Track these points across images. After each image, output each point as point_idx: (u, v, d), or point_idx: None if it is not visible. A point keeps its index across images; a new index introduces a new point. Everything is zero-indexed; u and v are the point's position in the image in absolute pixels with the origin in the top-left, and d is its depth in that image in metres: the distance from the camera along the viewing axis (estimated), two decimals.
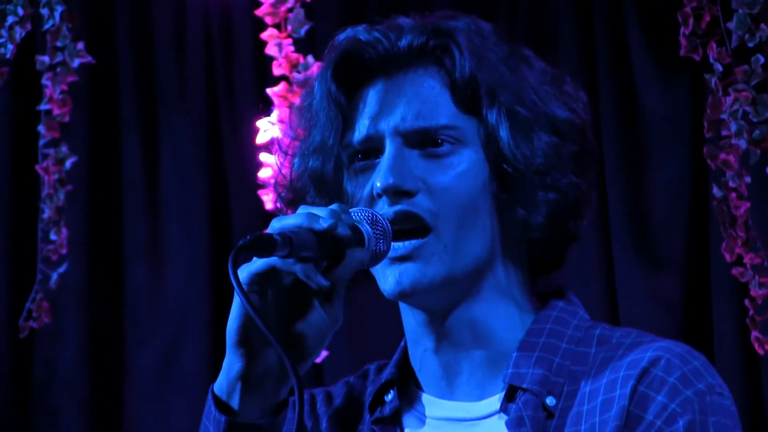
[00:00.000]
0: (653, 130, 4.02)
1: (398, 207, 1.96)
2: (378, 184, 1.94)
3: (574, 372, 2.02)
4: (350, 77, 2.06)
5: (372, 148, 2.01)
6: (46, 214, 3.99)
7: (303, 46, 3.93)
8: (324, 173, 2.05)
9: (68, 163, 3.99)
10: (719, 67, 3.68)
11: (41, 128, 4.01)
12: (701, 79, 3.80)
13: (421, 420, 2.08)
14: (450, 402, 2.07)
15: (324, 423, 2.12)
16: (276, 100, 3.87)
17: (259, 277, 1.78)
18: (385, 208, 1.96)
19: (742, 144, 3.68)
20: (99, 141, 4.33)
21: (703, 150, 3.75)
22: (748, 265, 3.73)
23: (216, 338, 4.27)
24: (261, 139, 3.87)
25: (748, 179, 3.71)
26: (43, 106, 4.00)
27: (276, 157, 2.17)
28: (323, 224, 1.79)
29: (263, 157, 3.84)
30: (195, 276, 4.37)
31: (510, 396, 2.00)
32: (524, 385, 1.99)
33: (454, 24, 2.08)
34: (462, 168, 1.99)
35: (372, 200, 1.98)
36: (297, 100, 3.33)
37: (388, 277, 1.98)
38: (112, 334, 4.34)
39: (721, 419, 1.96)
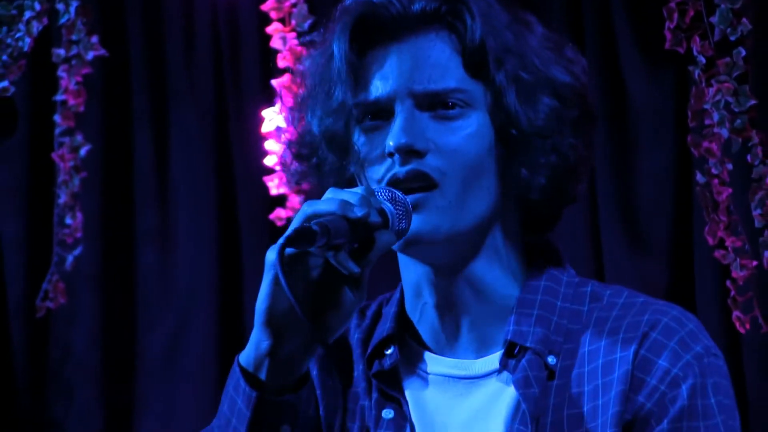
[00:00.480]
0: (640, 120, 4.04)
1: (409, 166, 1.98)
2: (391, 143, 1.96)
3: (570, 330, 2.05)
4: (364, 39, 2.05)
5: (383, 109, 2.02)
6: (62, 199, 4.05)
7: (306, 38, 3.96)
8: (336, 130, 2.04)
9: (83, 151, 4.05)
10: (702, 60, 3.73)
11: (57, 118, 4.06)
12: (685, 71, 3.82)
13: (420, 375, 2.09)
14: (448, 359, 2.09)
15: (315, 370, 2.14)
16: (280, 91, 3.84)
17: (291, 259, 1.82)
18: (396, 167, 1.97)
19: (725, 133, 3.72)
20: (112, 130, 4.36)
21: (687, 139, 3.80)
22: (729, 248, 3.76)
23: (222, 317, 4.40)
24: (266, 128, 3.91)
25: (729, 166, 3.75)
26: (59, 97, 4.05)
27: (287, 109, 2.17)
28: (357, 213, 1.82)
29: (268, 145, 3.90)
30: (202, 259, 4.40)
31: (509, 353, 2.03)
32: (527, 344, 2.02)
33: None
34: (471, 130, 2.01)
35: (383, 158, 2.00)
36: (302, 90, 3.72)
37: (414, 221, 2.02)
38: (124, 315, 4.38)
39: (718, 379, 1.98)
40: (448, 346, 2.08)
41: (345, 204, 1.81)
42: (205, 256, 4.41)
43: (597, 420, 1.97)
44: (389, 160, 1.97)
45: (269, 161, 3.91)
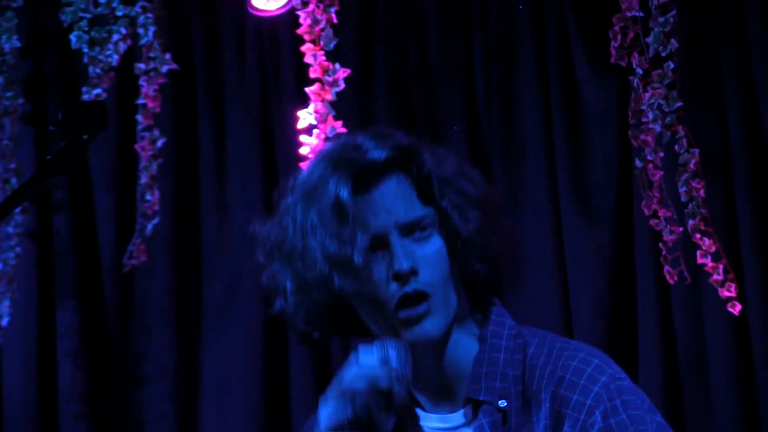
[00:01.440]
0: (590, 118, 4.34)
1: (411, 287, 2.14)
2: (395, 269, 2.13)
3: (514, 376, 2.18)
4: (353, 188, 2.16)
5: (381, 241, 2.16)
6: (143, 180, 4.31)
7: (331, 56, 4.22)
8: (341, 257, 2.16)
9: (159, 143, 4.29)
10: (640, 71, 4.04)
11: (139, 117, 4.32)
12: (627, 80, 4.13)
13: (418, 430, 2.27)
14: (434, 415, 2.25)
15: None
16: (312, 96, 4.19)
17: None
18: (404, 289, 2.14)
19: (657, 128, 4.04)
20: (181, 126, 4.58)
21: (628, 132, 4.13)
22: (661, 218, 4.06)
23: None
24: (301, 125, 4.19)
25: (661, 154, 4.06)
26: (140, 101, 4.31)
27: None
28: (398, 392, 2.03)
29: (303, 138, 4.17)
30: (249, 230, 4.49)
31: (474, 407, 2.18)
32: (480, 398, 2.17)
33: (414, 143, 2.22)
34: (438, 244, 2.17)
35: (388, 280, 2.13)
36: (328, 96, 4.13)
37: (414, 333, 2.16)
38: (191, 270, 4.59)
39: (625, 397, 2.12)
40: (434, 405, 2.24)
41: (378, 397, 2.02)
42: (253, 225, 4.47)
43: None
44: (394, 284, 2.13)
45: (303, 150, 4.18)
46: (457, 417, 2.19)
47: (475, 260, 2.19)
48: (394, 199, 2.16)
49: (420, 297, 2.11)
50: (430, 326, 2.12)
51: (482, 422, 2.14)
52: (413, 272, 2.11)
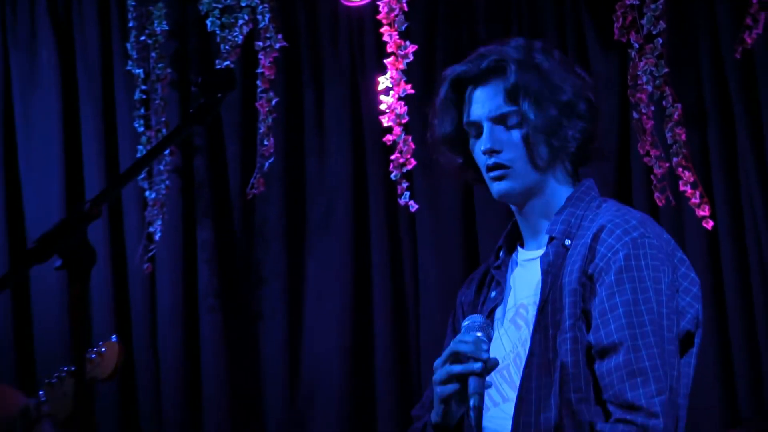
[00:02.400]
0: (598, 81, 4.25)
1: (493, 160, 2.27)
2: (482, 148, 2.28)
3: (582, 225, 2.26)
4: (458, 88, 2.34)
5: (478, 126, 2.29)
6: (261, 130, 4.39)
7: (403, 35, 4.31)
8: (453, 139, 2.36)
9: (273, 102, 4.39)
10: (636, 45, 4.21)
11: (258, 82, 4.40)
12: (626, 53, 4.27)
13: (515, 262, 2.38)
14: (527, 251, 2.37)
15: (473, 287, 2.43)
16: (388, 66, 4.30)
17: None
18: (488, 160, 2.27)
19: (649, 88, 4.19)
20: (290, 90, 4.63)
21: (627, 92, 4.26)
22: (652, 156, 4.18)
23: (355, 200, 4.62)
24: (380, 87, 4.30)
25: (652, 108, 4.18)
26: (259, 70, 4.40)
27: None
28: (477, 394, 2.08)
29: (382, 98, 4.29)
30: (343, 165, 4.66)
31: (549, 243, 2.27)
32: (554, 235, 2.27)
33: (508, 50, 2.30)
34: (521, 134, 2.27)
35: (482, 154, 2.28)
36: (401, 66, 4.20)
37: (493, 188, 2.30)
38: (298, 196, 4.70)
39: (648, 251, 2.16)
40: (528, 242, 2.37)
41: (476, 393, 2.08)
42: (344, 164, 4.66)
43: (576, 272, 2.21)
44: (485, 156, 2.29)
45: (382, 107, 4.29)
46: (539, 251, 2.30)
47: (554, 145, 2.26)
48: (488, 98, 2.28)
49: (498, 167, 2.26)
50: (506, 187, 2.27)
51: (548, 251, 2.26)
52: (494, 151, 2.26)
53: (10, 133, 4.65)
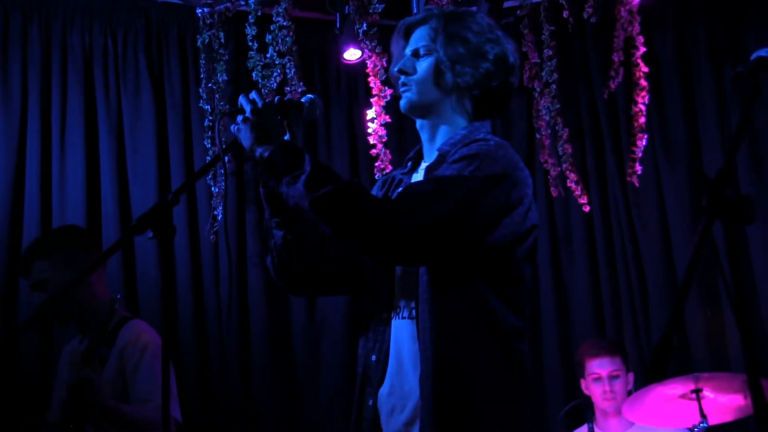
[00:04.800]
0: (515, 116, 4.80)
1: (402, 78, 2.27)
2: (394, 70, 2.30)
3: (455, 143, 2.21)
4: (405, 35, 2.36)
5: (406, 54, 2.33)
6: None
7: (384, 82, 4.53)
8: (392, 73, 2.33)
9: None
10: (538, 89, 4.62)
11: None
12: (532, 94, 4.66)
13: (416, 171, 2.34)
14: (425, 163, 2.33)
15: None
16: (374, 103, 4.61)
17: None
18: (400, 80, 2.28)
19: (547, 117, 4.53)
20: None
21: (533, 120, 4.64)
22: (549, 163, 4.58)
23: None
24: (368, 117, 4.59)
25: (549, 131, 4.59)
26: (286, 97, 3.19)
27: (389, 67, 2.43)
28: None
29: (370, 124, 4.57)
30: (342, 170, 4.87)
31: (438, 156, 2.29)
32: (441, 152, 2.24)
33: (444, 8, 2.34)
34: (429, 61, 2.26)
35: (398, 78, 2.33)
36: (382, 103, 4.44)
37: (401, 100, 2.30)
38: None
39: (483, 151, 2.11)
40: (426, 157, 2.34)
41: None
42: (344, 168, 4.90)
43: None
44: (399, 75, 2.30)
45: (369, 130, 4.58)
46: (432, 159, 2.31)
47: (457, 70, 2.22)
48: (413, 40, 2.33)
49: (405, 84, 2.27)
50: (407, 98, 2.27)
51: (433, 164, 2.23)
52: (404, 72, 2.28)
53: (121, 152, 4.87)
